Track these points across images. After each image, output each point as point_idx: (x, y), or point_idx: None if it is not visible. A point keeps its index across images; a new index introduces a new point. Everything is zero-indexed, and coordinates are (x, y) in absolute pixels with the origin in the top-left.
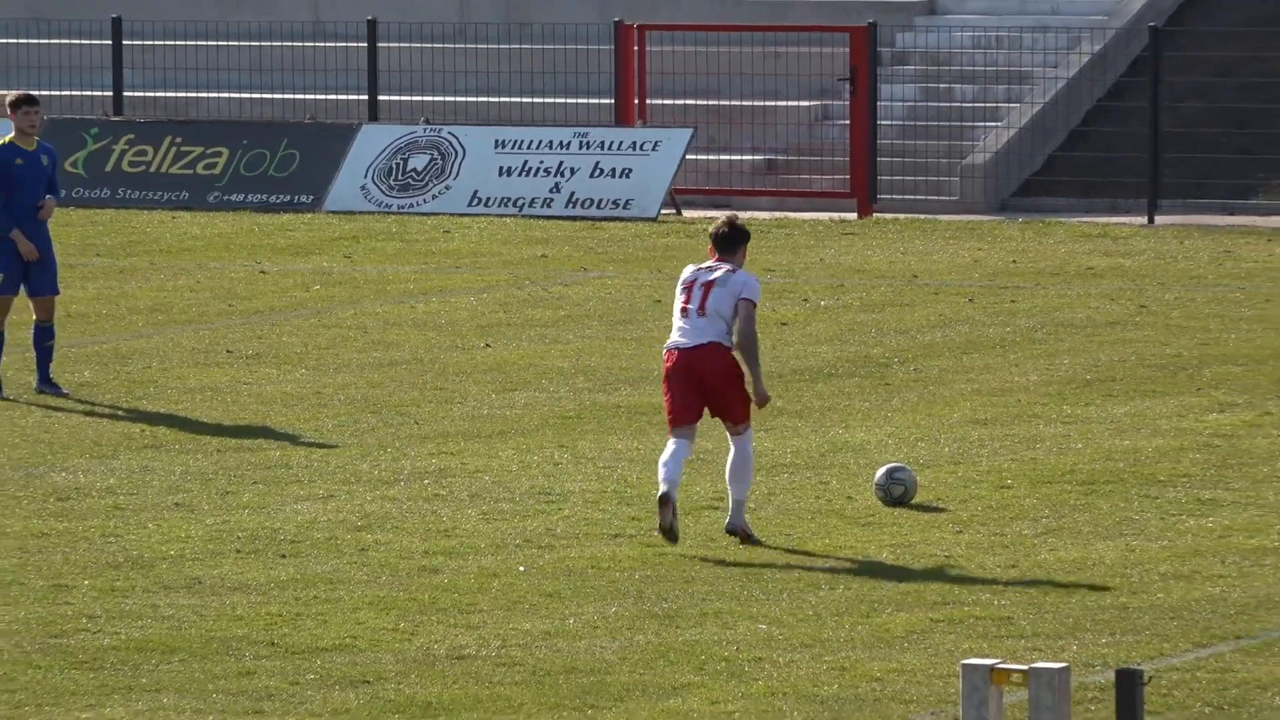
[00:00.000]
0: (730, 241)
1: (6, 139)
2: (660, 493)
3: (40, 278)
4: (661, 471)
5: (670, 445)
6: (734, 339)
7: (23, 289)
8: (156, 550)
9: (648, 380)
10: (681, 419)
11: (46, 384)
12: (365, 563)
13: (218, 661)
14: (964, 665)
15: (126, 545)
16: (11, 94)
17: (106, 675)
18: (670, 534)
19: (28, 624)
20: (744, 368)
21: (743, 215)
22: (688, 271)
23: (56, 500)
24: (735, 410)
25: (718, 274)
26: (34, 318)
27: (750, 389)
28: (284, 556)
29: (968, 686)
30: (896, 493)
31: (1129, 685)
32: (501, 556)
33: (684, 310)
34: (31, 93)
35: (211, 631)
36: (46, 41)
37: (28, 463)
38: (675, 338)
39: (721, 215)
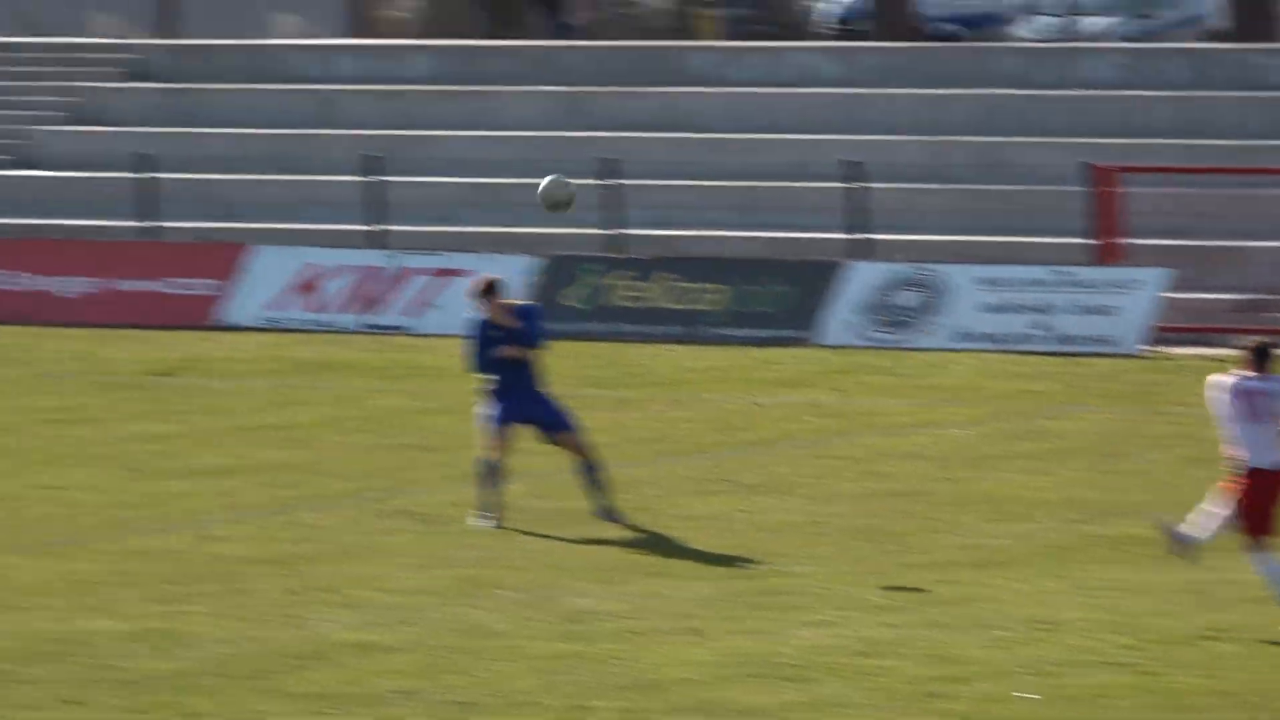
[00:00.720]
0: (1264, 357)
1: (485, 314)
2: None
3: (547, 420)
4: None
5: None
6: None
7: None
8: (668, 674)
9: (1137, 513)
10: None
11: (604, 513)
12: (869, 687)
13: None
14: None
15: (639, 668)
16: (474, 282)
17: None
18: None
19: None
20: None
21: (1222, 353)
22: (1228, 380)
23: (569, 623)
24: None
25: (1259, 383)
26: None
27: None
28: (790, 680)
29: None
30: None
31: None
32: (1002, 683)
33: (1236, 416)
34: (493, 279)
35: None
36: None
37: (539, 585)
38: (1241, 452)
39: (1254, 338)
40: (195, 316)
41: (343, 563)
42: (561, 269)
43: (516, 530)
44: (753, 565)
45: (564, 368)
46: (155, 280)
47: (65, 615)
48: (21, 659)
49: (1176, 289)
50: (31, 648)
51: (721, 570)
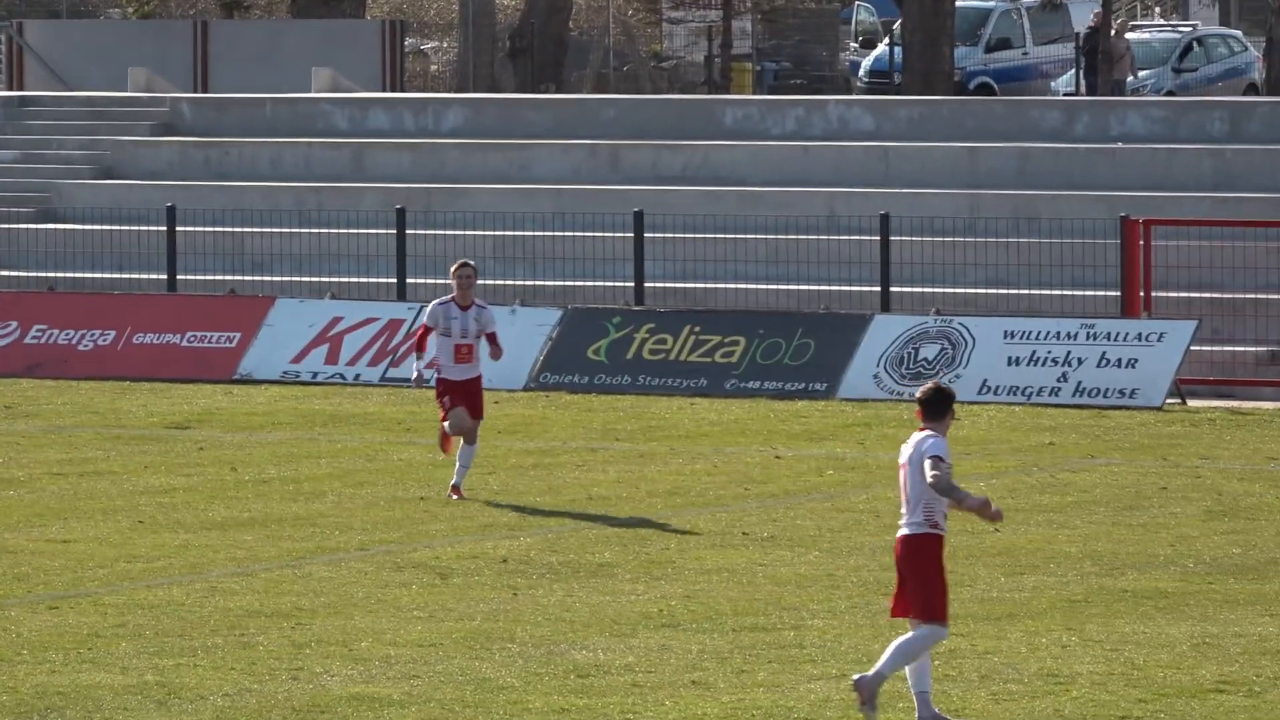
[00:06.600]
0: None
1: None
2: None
3: None
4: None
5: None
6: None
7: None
8: None
9: (1155, 565)
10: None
11: None
12: None
13: None
14: None
15: None
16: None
17: None
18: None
19: None
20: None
21: (1246, 405)
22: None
23: (577, 677)
24: (915, 604)
25: (909, 451)
26: None
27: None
28: None
29: None
30: None
31: None
32: None
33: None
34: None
35: None
36: (572, 234)
37: (549, 640)
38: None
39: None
40: (215, 370)
41: (351, 616)
42: (588, 322)
43: (528, 584)
44: (766, 618)
45: (587, 420)
46: (176, 334)
47: (63, 669)
48: (18, 714)
49: (1202, 342)
50: (28, 702)
51: (733, 623)
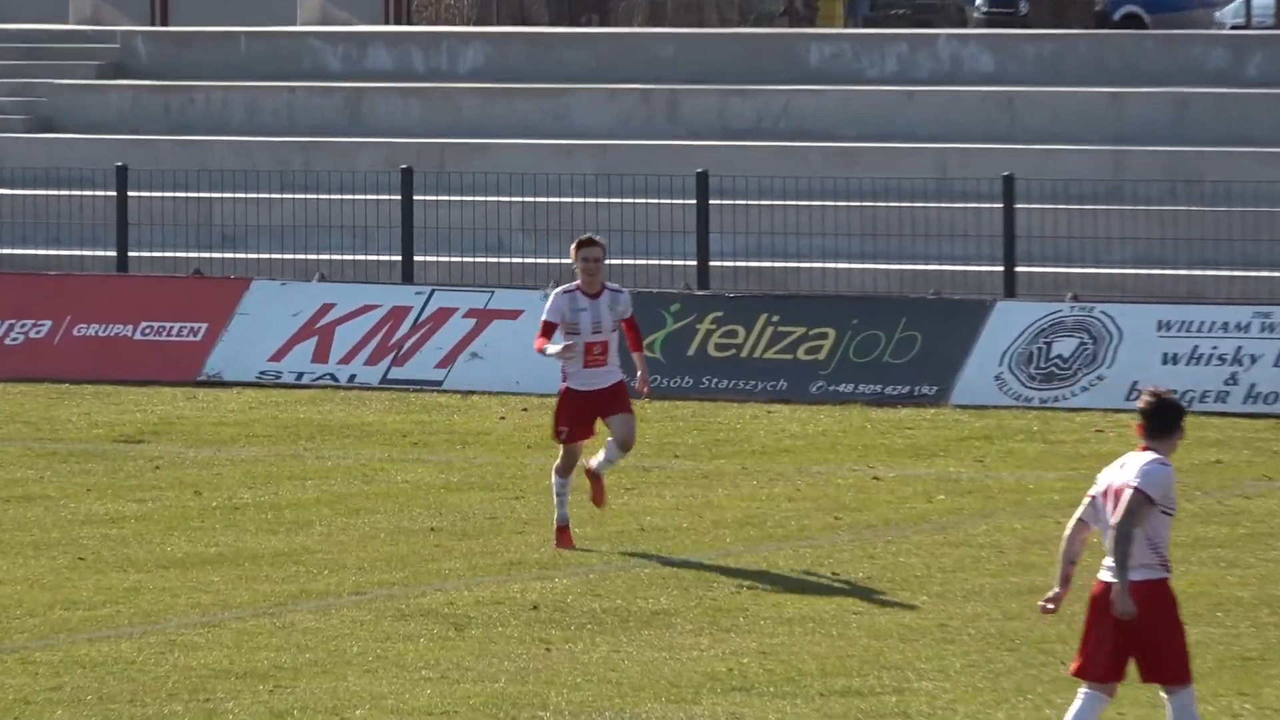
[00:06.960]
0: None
1: None
2: None
3: None
4: None
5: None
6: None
7: None
8: None
9: None
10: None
11: None
12: None
13: None
14: None
15: None
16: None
17: None
18: None
19: None
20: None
21: None
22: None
23: None
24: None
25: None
26: None
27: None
28: None
29: None
30: None
31: None
32: None
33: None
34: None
35: None
36: (619, 200)
37: (591, 706)
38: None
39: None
40: (176, 369)
41: (343, 676)
42: (639, 310)
43: (564, 636)
44: (862, 680)
45: (641, 432)
46: (127, 324)
47: None
48: None
49: None
50: None
51: (820, 685)
